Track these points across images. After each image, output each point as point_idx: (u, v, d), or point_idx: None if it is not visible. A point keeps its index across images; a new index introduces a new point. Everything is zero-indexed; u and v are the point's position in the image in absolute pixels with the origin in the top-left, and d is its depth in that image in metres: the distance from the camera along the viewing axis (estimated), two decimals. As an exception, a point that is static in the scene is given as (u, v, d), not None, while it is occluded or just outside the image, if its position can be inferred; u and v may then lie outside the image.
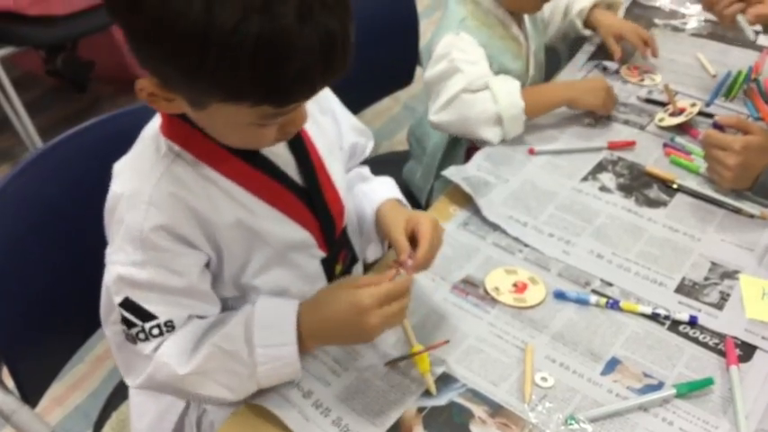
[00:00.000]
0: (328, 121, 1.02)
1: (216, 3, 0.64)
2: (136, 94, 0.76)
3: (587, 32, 1.66)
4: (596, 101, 1.38)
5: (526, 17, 1.50)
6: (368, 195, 1.05)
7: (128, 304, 0.83)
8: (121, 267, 0.82)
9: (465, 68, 1.33)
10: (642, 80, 1.56)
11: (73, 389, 1.82)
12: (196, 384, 0.86)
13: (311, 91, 0.74)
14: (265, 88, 0.70)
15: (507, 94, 1.31)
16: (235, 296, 0.93)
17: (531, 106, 1.33)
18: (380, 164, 1.16)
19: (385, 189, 1.06)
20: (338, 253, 1.00)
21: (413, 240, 0.94)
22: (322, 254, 0.96)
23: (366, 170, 1.13)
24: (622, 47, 1.57)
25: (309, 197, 0.92)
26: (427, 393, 0.91)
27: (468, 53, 1.36)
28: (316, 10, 0.68)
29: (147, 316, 0.83)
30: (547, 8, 1.58)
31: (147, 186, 0.81)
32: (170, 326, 0.84)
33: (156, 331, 0.83)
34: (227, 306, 0.93)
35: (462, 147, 1.51)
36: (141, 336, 0.83)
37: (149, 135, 0.86)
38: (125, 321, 0.83)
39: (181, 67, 0.69)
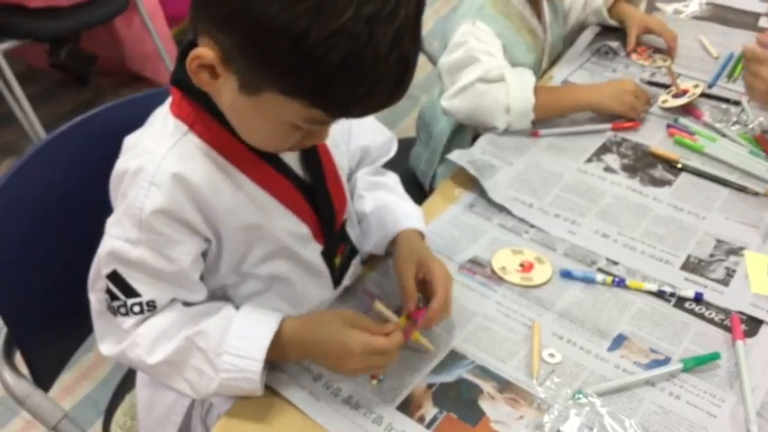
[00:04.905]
0: None
1: (323, 8, 0.64)
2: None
3: (613, 23, 1.64)
4: (621, 106, 1.35)
5: (546, 8, 1.49)
6: (396, 214, 1.02)
7: (114, 277, 0.83)
8: (116, 241, 0.82)
9: (482, 58, 1.33)
10: (654, 61, 1.56)
11: (82, 378, 1.83)
12: (162, 374, 0.86)
13: (366, 111, 0.75)
14: (332, 98, 0.71)
15: (520, 89, 1.30)
16: (235, 282, 0.93)
17: (545, 107, 1.32)
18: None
19: (411, 218, 1.03)
20: (337, 246, 0.99)
21: (423, 285, 0.94)
22: (319, 246, 0.96)
23: (394, 180, 1.10)
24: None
25: (311, 190, 0.92)
26: (437, 370, 0.92)
27: (486, 43, 1.35)
28: (406, 37, 0.69)
29: (131, 292, 0.83)
30: None
31: (151, 165, 0.81)
32: (152, 306, 0.84)
33: (137, 309, 0.84)
34: (227, 293, 0.94)
35: (468, 133, 1.50)
36: (122, 310, 0.84)
37: (161, 113, 0.86)
38: (109, 293, 0.84)
39: (258, 54, 0.69)
